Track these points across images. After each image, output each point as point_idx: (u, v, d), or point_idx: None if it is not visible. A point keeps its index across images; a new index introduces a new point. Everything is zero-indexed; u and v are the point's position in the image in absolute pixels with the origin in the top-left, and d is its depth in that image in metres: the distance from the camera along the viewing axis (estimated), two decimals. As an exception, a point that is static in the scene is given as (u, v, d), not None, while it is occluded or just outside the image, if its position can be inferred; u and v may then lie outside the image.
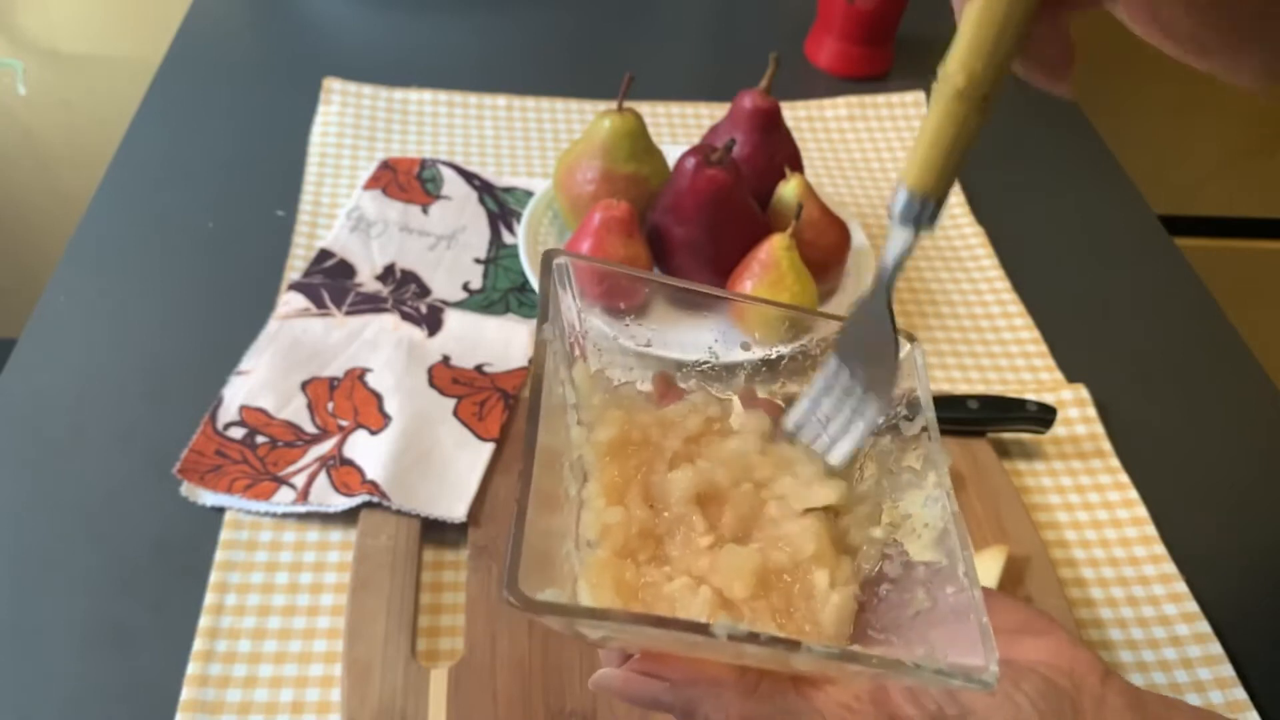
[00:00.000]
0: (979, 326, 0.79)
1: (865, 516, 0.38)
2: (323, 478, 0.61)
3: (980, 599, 0.33)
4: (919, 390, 0.39)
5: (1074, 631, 0.58)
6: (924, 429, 0.38)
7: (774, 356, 0.42)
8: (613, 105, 0.73)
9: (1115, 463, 0.69)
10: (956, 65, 0.34)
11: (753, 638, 0.30)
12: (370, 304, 0.71)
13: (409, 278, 0.75)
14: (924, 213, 0.36)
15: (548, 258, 0.39)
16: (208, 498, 0.60)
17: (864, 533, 0.38)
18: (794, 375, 0.42)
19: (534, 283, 0.73)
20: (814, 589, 0.36)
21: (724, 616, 0.35)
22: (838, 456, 0.39)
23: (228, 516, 0.59)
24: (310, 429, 0.64)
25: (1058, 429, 0.68)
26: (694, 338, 0.44)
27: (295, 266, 0.75)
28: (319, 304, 0.71)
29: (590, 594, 0.34)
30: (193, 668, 0.53)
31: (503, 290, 0.76)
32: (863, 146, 0.95)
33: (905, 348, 0.40)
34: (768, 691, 0.35)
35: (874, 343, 0.38)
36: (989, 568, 0.58)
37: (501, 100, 0.93)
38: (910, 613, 0.35)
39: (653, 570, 0.36)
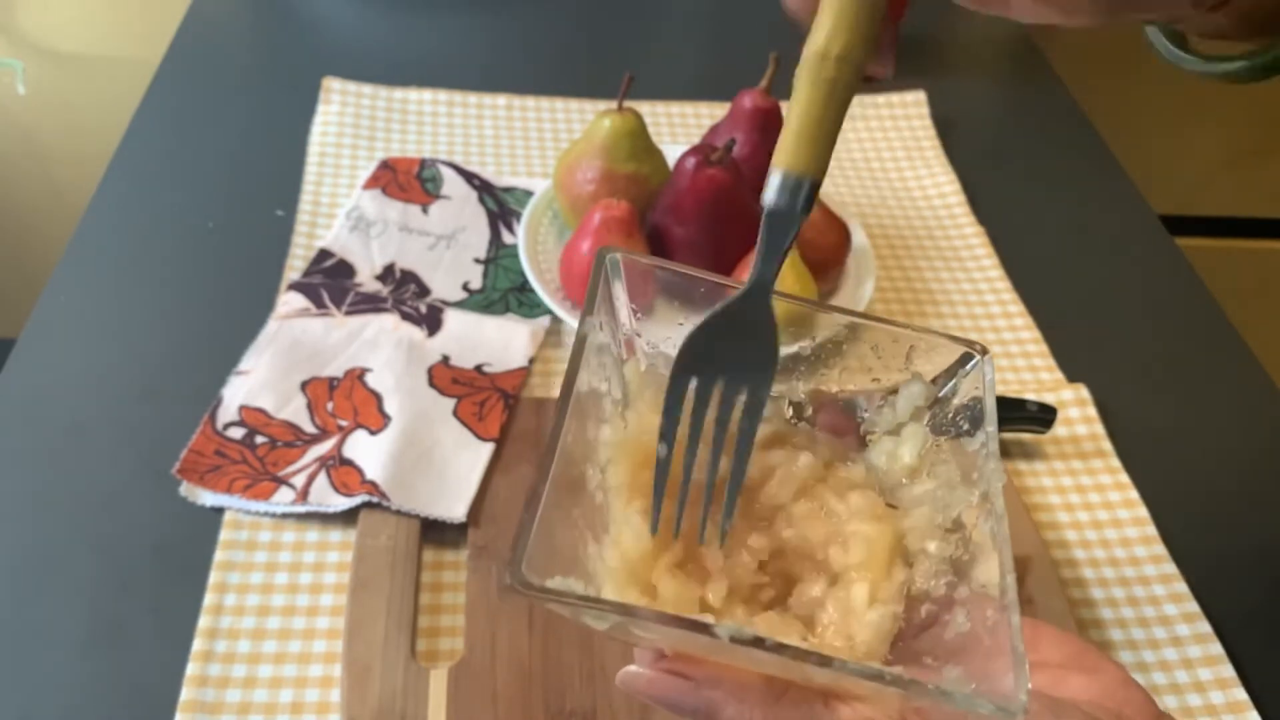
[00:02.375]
0: (979, 326, 0.78)
1: (923, 527, 0.37)
2: (322, 478, 0.61)
3: (1018, 625, 0.31)
4: (986, 405, 0.37)
5: (1081, 632, 0.58)
6: (983, 445, 0.36)
7: (808, 349, 0.41)
8: (613, 105, 0.73)
9: (1115, 463, 0.69)
10: (832, 35, 0.33)
11: (757, 642, 0.29)
12: (370, 304, 0.71)
13: (409, 277, 0.75)
14: (800, 195, 0.34)
15: (601, 254, 0.37)
16: (207, 498, 0.60)
17: (920, 544, 0.36)
18: (811, 372, 0.41)
19: (534, 283, 0.73)
20: (852, 604, 0.35)
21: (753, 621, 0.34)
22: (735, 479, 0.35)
23: (227, 516, 0.59)
24: (310, 429, 0.64)
25: (1058, 429, 0.68)
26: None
27: (295, 266, 0.75)
28: (319, 304, 0.71)
29: (617, 591, 0.34)
30: (192, 668, 0.53)
31: (502, 290, 0.76)
32: (863, 146, 0.95)
33: (974, 359, 0.38)
34: (794, 700, 0.33)
35: (748, 349, 0.35)
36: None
37: (501, 100, 0.93)
38: (949, 634, 0.34)
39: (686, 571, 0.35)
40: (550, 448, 0.32)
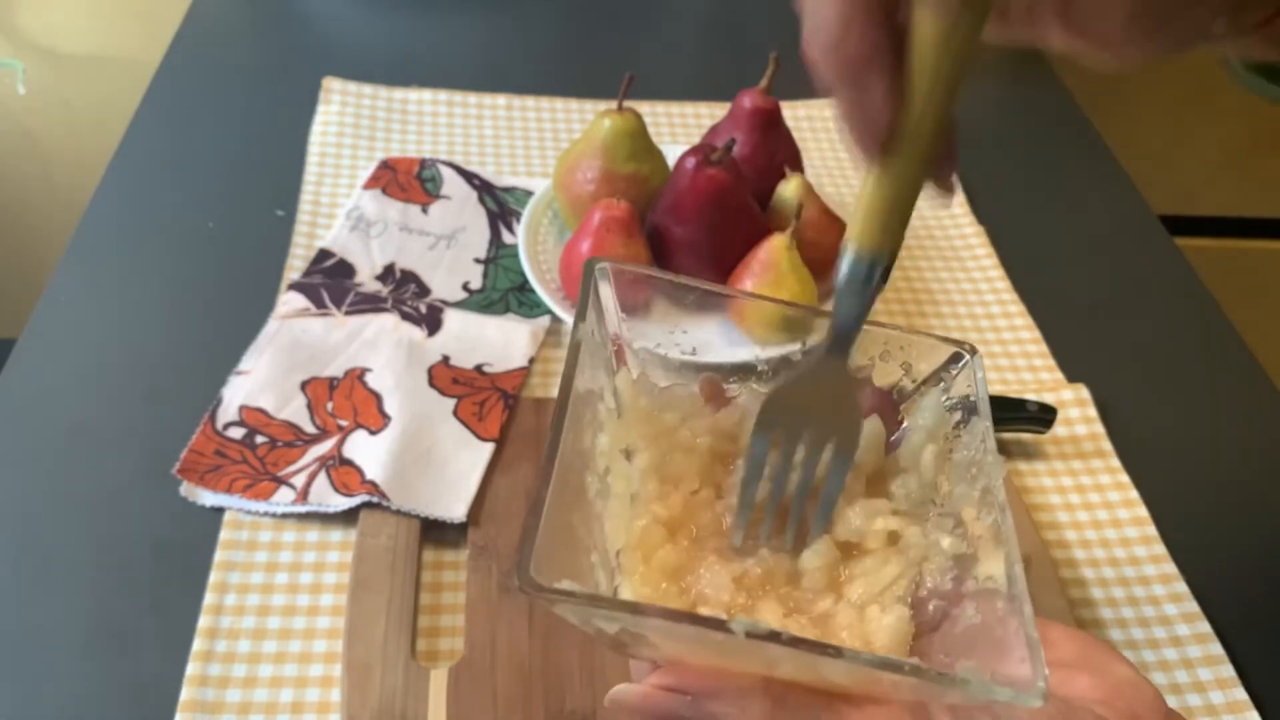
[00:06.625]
0: (979, 326, 0.79)
1: (933, 524, 0.37)
2: (322, 478, 0.61)
3: (1030, 614, 0.31)
4: (980, 401, 0.37)
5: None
6: (981, 440, 0.37)
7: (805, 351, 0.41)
8: (613, 105, 0.73)
9: (1115, 463, 0.69)
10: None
11: (773, 636, 0.29)
12: (370, 304, 0.71)
13: (409, 277, 0.75)
14: (874, 273, 0.35)
15: (590, 264, 0.38)
16: (207, 498, 0.60)
17: (931, 540, 0.37)
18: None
19: (534, 283, 0.73)
20: (864, 612, 0.35)
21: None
22: (821, 526, 0.37)
23: (227, 516, 0.59)
24: (310, 429, 0.64)
25: (1058, 429, 0.68)
26: (702, 338, 0.44)
27: (295, 266, 0.75)
28: (319, 304, 0.71)
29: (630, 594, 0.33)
30: (192, 668, 0.53)
31: (502, 290, 0.76)
32: (863, 146, 0.95)
33: (964, 358, 0.38)
34: (796, 704, 0.32)
35: (835, 405, 0.37)
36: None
37: (501, 100, 0.93)
38: (959, 629, 0.34)
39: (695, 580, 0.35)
40: (550, 454, 0.32)
